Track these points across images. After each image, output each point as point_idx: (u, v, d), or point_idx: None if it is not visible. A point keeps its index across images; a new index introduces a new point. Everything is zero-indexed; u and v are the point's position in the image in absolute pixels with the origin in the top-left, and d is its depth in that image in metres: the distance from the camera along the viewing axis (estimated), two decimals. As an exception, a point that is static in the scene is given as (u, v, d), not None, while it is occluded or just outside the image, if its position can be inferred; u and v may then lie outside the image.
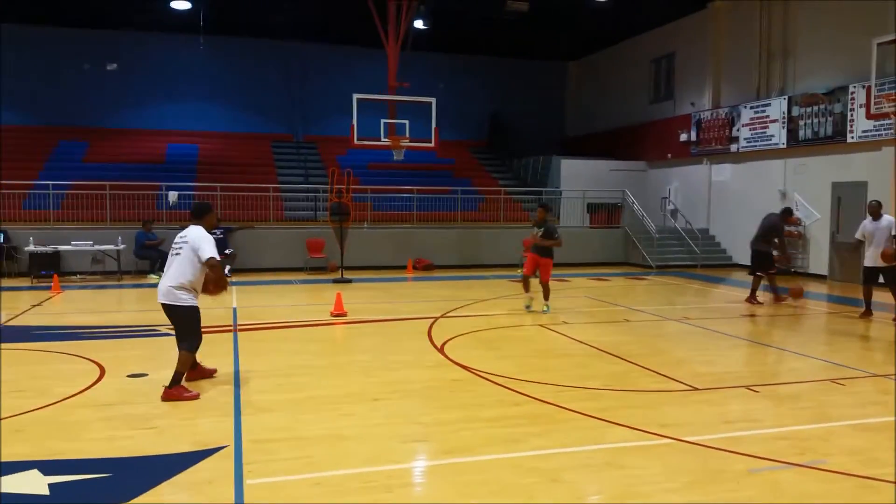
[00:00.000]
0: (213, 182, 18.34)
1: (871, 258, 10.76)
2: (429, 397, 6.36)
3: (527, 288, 11.49)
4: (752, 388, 6.67)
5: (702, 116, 20.44)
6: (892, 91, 12.48)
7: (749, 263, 12.87)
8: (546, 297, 11.24)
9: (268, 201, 18.60)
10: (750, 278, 12.72)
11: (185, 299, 6.26)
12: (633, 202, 20.94)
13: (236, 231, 17.01)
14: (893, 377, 7.19)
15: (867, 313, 10.90)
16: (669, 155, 21.90)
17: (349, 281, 15.08)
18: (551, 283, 11.50)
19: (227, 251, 16.35)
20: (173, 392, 6.14)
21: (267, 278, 15.89)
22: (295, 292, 14.21)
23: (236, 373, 7.06)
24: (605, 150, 24.24)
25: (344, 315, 10.54)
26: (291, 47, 24.66)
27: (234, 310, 11.27)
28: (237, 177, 19.58)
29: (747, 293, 12.57)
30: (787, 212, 13.06)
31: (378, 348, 8.55)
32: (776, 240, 12.44)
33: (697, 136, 20.56)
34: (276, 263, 17.26)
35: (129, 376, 6.73)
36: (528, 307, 11.31)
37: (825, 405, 6.20)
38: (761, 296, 12.57)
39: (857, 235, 11.14)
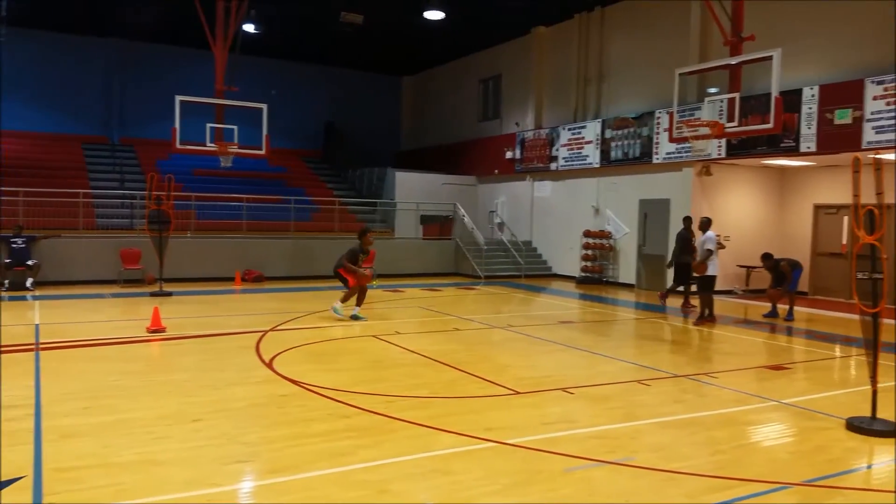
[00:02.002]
0: (15, 187, 16.58)
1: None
2: (255, 415, 6.13)
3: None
4: (568, 390, 7.09)
5: (525, 136, 21.56)
6: (691, 117, 13.87)
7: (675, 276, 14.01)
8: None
9: (78, 208, 17.12)
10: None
11: None
12: (464, 215, 21.61)
13: (41, 240, 15.48)
14: (692, 377, 7.96)
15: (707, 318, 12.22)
16: (497, 171, 22.88)
17: (169, 294, 14.21)
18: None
19: (29, 262, 14.86)
20: None
21: (75, 292, 14.59)
22: (107, 307, 13.15)
23: (37, 396, 6.39)
24: (438, 165, 24.86)
25: (162, 331, 9.91)
26: (109, 44, 23.00)
27: (37, 326, 10.23)
28: (43, 181, 17.86)
29: (565, 301, 13.39)
30: (688, 220, 14.08)
31: (200, 366, 8.11)
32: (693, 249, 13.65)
33: (521, 154, 21.66)
34: (86, 276, 15.89)
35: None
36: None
37: (633, 405, 6.72)
38: (693, 299, 13.69)
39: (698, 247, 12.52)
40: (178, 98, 15.24)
